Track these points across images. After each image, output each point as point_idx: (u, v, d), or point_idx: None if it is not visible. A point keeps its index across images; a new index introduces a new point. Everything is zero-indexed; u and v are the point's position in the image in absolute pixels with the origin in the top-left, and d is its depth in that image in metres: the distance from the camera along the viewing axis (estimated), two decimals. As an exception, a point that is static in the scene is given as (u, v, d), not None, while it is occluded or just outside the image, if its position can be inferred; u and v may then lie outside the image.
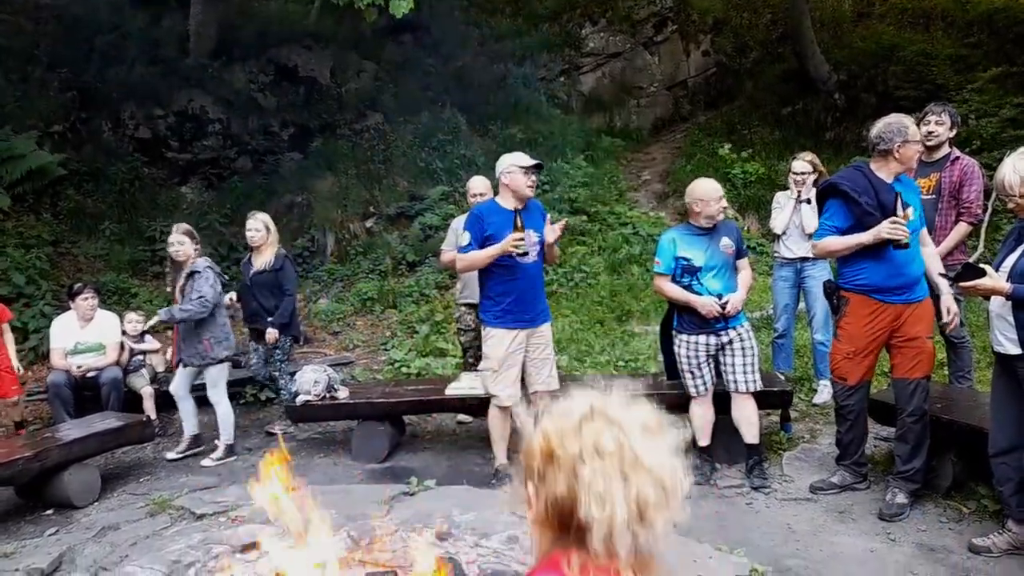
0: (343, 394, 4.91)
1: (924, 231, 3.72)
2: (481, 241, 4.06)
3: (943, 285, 3.57)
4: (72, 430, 4.58)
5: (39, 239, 8.18)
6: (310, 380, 4.84)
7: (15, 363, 5.51)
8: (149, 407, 5.55)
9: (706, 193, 3.99)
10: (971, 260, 4.05)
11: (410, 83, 12.04)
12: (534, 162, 4.08)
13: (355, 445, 4.88)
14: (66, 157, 9.19)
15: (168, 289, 5.68)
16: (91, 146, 9.86)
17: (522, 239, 3.90)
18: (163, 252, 8.98)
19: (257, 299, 5.33)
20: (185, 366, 5.02)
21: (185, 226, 5.12)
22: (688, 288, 4.01)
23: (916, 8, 14.42)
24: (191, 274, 4.90)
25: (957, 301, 4.41)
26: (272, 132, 11.02)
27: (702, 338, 4.03)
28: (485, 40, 13.88)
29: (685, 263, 4.01)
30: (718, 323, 3.98)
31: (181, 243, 4.96)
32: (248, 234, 5.36)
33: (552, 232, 4.10)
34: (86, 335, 5.54)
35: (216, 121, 10.66)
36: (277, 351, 5.37)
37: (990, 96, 9.59)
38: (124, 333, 5.79)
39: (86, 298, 5.53)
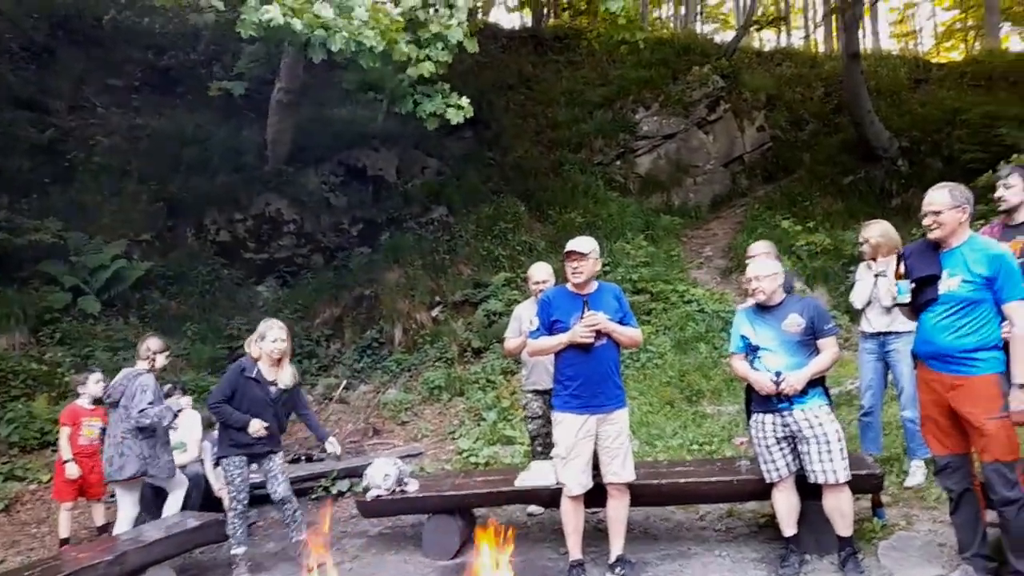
0: (413, 487, 4.89)
1: (1011, 305, 3.25)
2: (549, 326, 4.10)
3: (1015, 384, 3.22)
4: (151, 532, 4.68)
5: (125, 342, 8.63)
6: (380, 473, 4.85)
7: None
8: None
9: (746, 273, 4.10)
10: None
11: (471, 176, 12.52)
12: (569, 249, 4.08)
13: (426, 540, 4.80)
14: (150, 263, 9.82)
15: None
16: (176, 251, 10.52)
17: (593, 325, 3.92)
18: (240, 350, 9.42)
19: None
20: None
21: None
22: (751, 366, 4.00)
23: (976, 71, 14.27)
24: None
25: None
26: (342, 229, 11.56)
27: (768, 417, 3.94)
28: (541, 130, 14.39)
29: (747, 341, 4.03)
30: (781, 403, 3.87)
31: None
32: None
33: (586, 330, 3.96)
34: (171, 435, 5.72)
35: (291, 222, 11.28)
36: None
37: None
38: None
39: (177, 400, 5.73)
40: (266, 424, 4.72)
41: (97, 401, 5.84)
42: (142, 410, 5.02)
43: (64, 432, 5.56)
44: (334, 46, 6.64)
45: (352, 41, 6.65)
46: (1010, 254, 3.38)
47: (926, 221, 3.43)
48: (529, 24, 20.45)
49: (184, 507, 5.44)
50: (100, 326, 8.72)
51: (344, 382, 8.73)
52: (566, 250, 4.09)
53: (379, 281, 10.37)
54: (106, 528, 5.69)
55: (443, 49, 7.50)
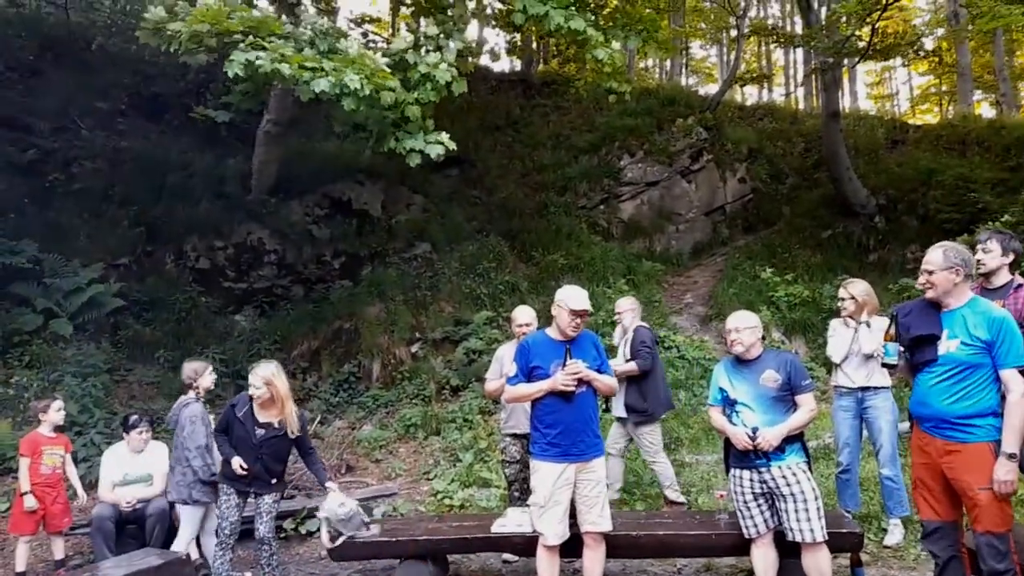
0: (373, 531, 4.76)
1: (1008, 373, 3.22)
2: (527, 372, 4.06)
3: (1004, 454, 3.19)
4: (112, 569, 4.50)
5: (95, 368, 8.41)
6: (335, 503, 4.66)
7: (80, 491, 5.59)
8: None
9: (727, 324, 4.09)
10: None
11: (456, 213, 12.57)
12: (582, 307, 3.98)
13: (397, 586, 4.67)
14: (123, 286, 9.62)
15: None
16: (154, 277, 10.36)
17: (576, 373, 3.89)
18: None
19: None
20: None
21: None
22: (729, 419, 3.99)
23: (951, 135, 14.72)
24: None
25: None
26: (324, 261, 11.49)
27: (746, 473, 3.93)
28: (527, 172, 14.54)
29: (725, 394, 4.02)
30: (758, 459, 3.85)
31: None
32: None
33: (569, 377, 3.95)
34: (135, 466, 5.54)
35: (272, 252, 11.18)
36: None
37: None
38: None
39: (141, 432, 5.56)
40: (242, 464, 4.61)
41: (59, 429, 5.66)
42: (200, 460, 5.07)
43: (24, 463, 5.34)
44: (318, 87, 6.69)
45: (337, 84, 6.72)
46: (1011, 319, 3.34)
47: (920, 280, 3.46)
48: (519, 68, 20.80)
49: (147, 543, 5.24)
50: (71, 350, 8.50)
51: (319, 416, 8.58)
52: (576, 307, 3.96)
53: (359, 315, 10.27)
54: (64, 563, 5.47)
55: (432, 90, 7.60)
